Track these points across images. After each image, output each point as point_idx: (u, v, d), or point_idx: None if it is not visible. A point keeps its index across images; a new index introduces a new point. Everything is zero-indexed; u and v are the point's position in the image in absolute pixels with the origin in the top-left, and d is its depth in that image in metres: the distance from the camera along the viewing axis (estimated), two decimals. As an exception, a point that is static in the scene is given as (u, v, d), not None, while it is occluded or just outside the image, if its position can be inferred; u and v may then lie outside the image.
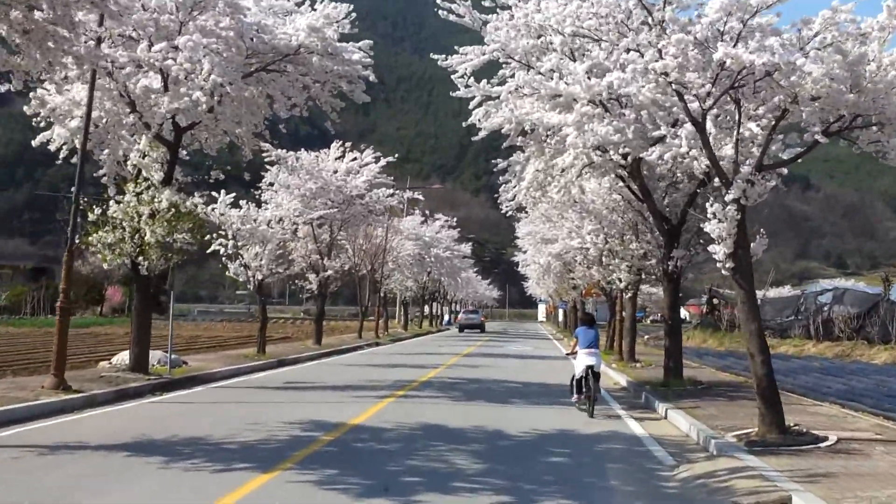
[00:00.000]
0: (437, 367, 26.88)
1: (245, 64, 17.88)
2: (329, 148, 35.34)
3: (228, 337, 44.97)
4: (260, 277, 27.49)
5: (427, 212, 61.60)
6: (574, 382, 16.29)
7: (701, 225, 21.23)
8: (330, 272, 34.58)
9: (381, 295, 51.33)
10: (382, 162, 35.37)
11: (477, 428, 13.44)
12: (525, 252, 63.09)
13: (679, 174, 20.69)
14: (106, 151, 17.11)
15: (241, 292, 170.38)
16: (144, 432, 12.17)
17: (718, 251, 12.08)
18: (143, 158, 18.65)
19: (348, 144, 35.34)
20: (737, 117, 12.37)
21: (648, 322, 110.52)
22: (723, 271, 12.25)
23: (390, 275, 52.95)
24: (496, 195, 30.05)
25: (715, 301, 47.49)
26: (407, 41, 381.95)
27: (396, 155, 36.33)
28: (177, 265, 20.24)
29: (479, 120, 19.52)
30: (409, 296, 63.79)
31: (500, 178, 21.72)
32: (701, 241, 20.56)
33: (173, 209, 18.24)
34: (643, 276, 27.46)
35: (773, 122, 12.22)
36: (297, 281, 36.29)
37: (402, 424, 13.54)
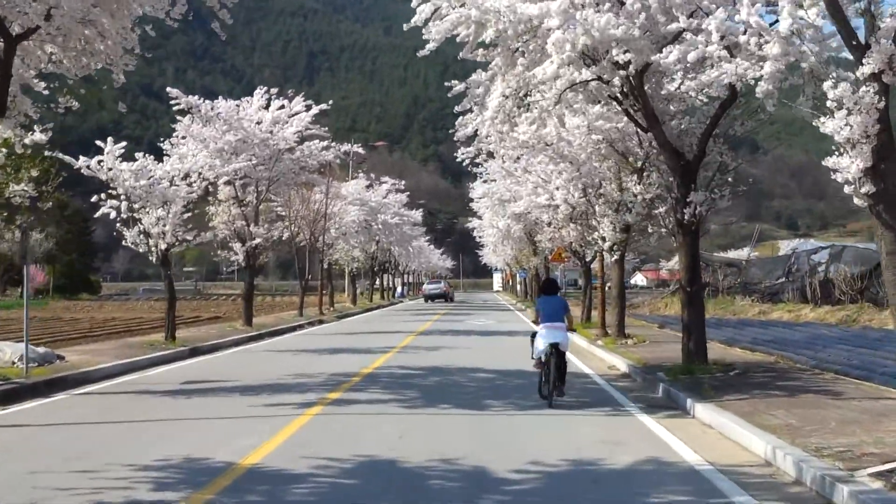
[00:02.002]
0: (388, 352, 21.93)
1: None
2: (252, 96, 30.07)
3: (150, 318, 39.48)
4: (163, 247, 22.24)
5: (372, 175, 56.41)
6: (538, 364, 12.87)
7: (722, 158, 16.59)
8: (258, 240, 29.35)
9: (325, 266, 46.11)
10: (315, 110, 30.08)
11: (447, 465, 8.46)
12: (481, 217, 58.34)
13: (695, 92, 16.08)
14: None
15: (188, 269, 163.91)
16: None
17: (848, 166, 7.22)
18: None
19: (274, 91, 30.05)
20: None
21: (608, 289, 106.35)
22: (855, 200, 7.38)
23: (333, 244, 47.74)
24: (457, 152, 25.22)
25: (693, 263, 43.19)
26: (349, 9, 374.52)
27: (331, 102, 30.99)
28: (26, 229, 15.04)
29: (423, 23, 14.51)
30: (356, 267, 58.61)
31: (456, 107, 16.62)
32: (729, 178, 15.80)
33: (5, 150, 12.99)
34: (635, 234, 22.79)
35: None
36: (219, 252, 31.01)
37: (326, 464, 8.51)
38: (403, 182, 60.72)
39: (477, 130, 17.17)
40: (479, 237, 70.34)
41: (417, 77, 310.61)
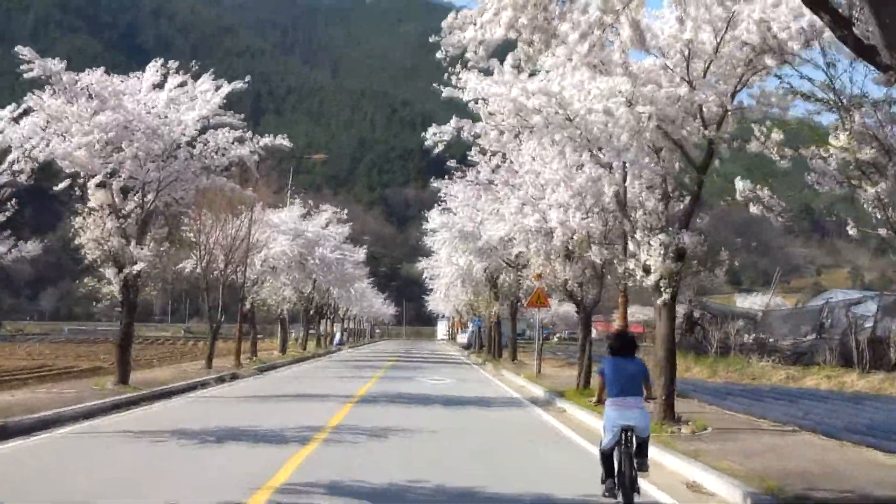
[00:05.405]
0: (307, 443, 13.68)
1: None
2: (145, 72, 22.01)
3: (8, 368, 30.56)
4: (-48, 263, 14.01)
5: (310, 202, 48.24)
6: (603, 458, 9.16)
7: None
8: (141, 265, 21.05)
9: (246, 306, 37.67)
10: (227, 88, 22.03)
11: None
12: (432, 253, 50.65)
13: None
14: None
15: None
16: None
17: None
18: None
19: (173, 64, 21.99)
20: None
21: (555, 341, 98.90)
22: None
23: (259, 280, 39.41)
24: (427, 132, 17.68)
25: (696, 315, 35.59)
26: (297, 50, 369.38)
27: (248, 78, 22.83)
28: None
29: None
30: (288, 309, 50.02)
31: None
32: None
33: None
34: (696, 265, 15.17)
35: None
36: (86, 282, 22.51)
37: None
38: (346, 211, 52.52)
39: (469, 54, 9.38)
40: (430, 279, 62.49)
41: (364, 119, 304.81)
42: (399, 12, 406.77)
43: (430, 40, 9.72)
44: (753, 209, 10.58)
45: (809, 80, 10.10)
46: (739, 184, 10.59)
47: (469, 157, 24.27)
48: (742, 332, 33.73)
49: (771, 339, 32.64)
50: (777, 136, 10.91)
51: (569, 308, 77.87)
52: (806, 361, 29.69)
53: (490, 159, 23.56)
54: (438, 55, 9.36)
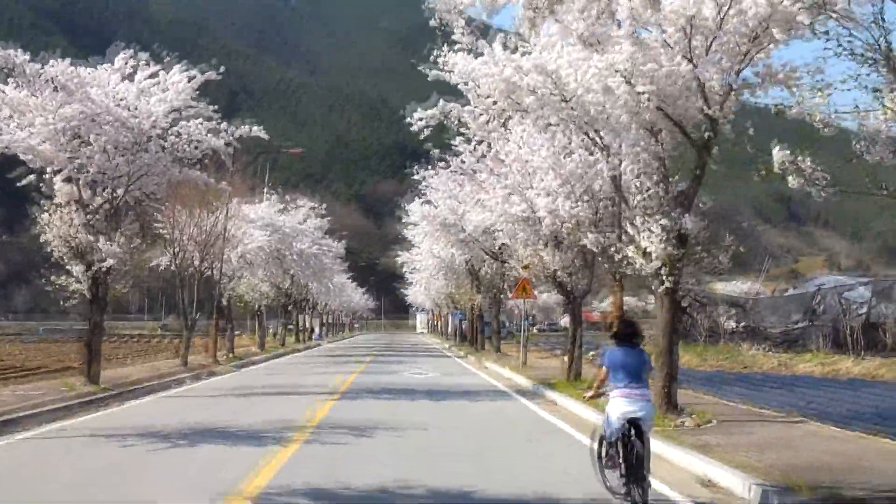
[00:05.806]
0: (286, 443, 12.85)
1: None
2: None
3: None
4: None
5: (287, 198, 47.04)
6: (604, 448, 8.69)
7: None
8: (111, 262, 20.05)
9: (222, 302, 36.64)
10: (199, 78, 21.00)
11: None
12: (412, 246, 50.20)
13: None
14: None
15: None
16: None
17: None
18: None
19: (143, 56, 20.95)
20: None
21: (535, 332, 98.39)
22: None
23: (235, 275, 38.39)
24: (413, 114, 17.12)
25: (685, 303, 34.93)
26: (273, 48, 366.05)
27: (223, 69, 21.78)
28: None
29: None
30: (264, 304, 48.85)
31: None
32: None
33: None
34: (700, 249, 14.54)
35: None
36: (52, 280, 21.32)
37: None
38: (325, 205, 51.46)
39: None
40: (409, 271, 61.84)
41: (341, 118, 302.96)
42: (377, 10, 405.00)
43: (423, 6, 8.98)
44: (792, 182, 9.80)
45: (855, 37, 9.13)
46: (777, 153, 9.77)
47: (453, 146, 23.51)
48: (729, 319, 33.15)
49: (761, 326, 32.05)
50: (821, 100, 10.05)
51: (548, 298, 77.03)
52: (798, 348, 29.14)
53: (475, 148, 22.74)
54: (432, 23, 8.57)
